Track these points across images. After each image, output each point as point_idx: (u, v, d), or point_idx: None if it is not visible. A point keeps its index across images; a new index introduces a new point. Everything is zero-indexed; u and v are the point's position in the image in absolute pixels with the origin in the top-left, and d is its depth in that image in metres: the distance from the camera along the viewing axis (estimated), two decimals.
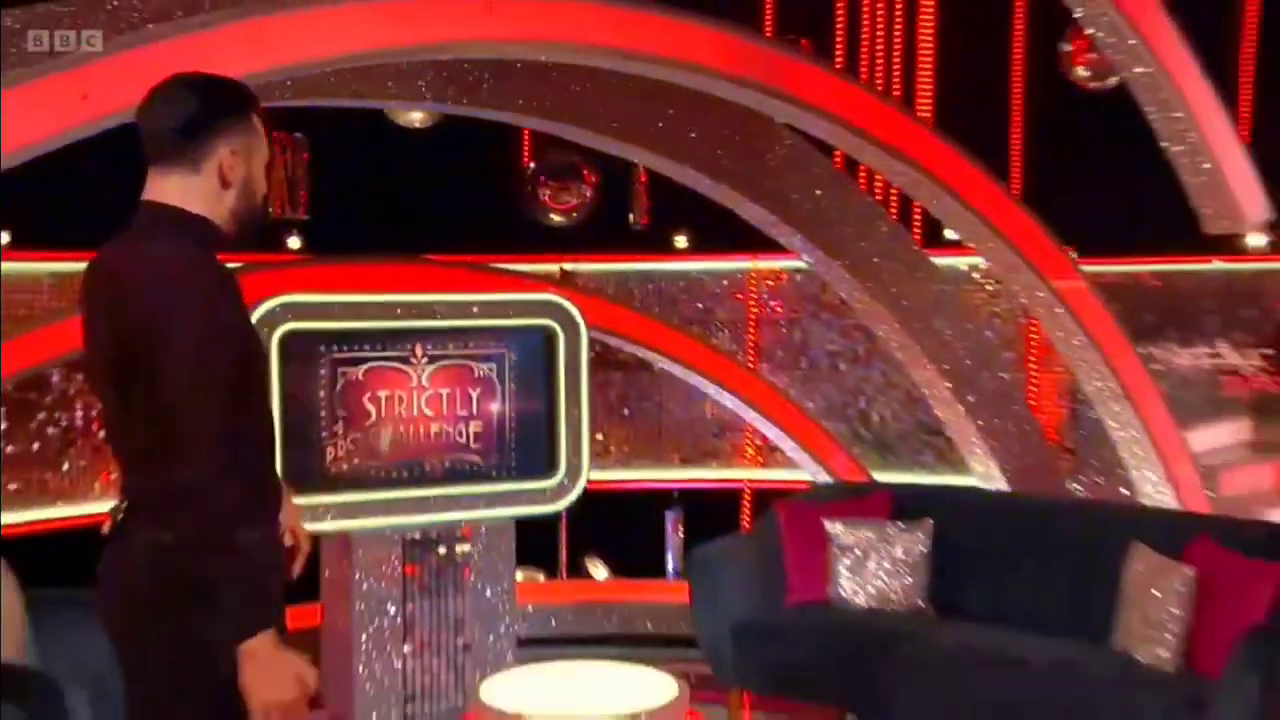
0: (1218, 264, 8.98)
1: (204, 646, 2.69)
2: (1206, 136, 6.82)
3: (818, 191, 6.88)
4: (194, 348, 2.70)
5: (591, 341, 6.81)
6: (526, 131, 9.30)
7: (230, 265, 3.18)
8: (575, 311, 6.23)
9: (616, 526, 8.04)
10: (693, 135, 6.54)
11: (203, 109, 2.91)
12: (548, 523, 7.96)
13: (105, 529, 2.88)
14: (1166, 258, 8.95)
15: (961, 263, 8.44)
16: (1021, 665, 5.05)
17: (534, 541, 6.97)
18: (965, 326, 7.15)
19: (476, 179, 9.67)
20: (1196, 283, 9.09)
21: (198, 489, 2.63)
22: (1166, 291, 9.02)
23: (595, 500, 6.49)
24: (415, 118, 8.69)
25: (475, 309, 6.10)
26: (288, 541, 3.12)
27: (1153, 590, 4.99)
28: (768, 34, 9.00)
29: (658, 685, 4.56)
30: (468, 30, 5.07)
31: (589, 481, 6.42)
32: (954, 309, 7.16)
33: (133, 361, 2.70)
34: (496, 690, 4.57)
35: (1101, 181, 8.84)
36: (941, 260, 7.63)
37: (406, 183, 8.85)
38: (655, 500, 8.65)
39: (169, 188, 2.87)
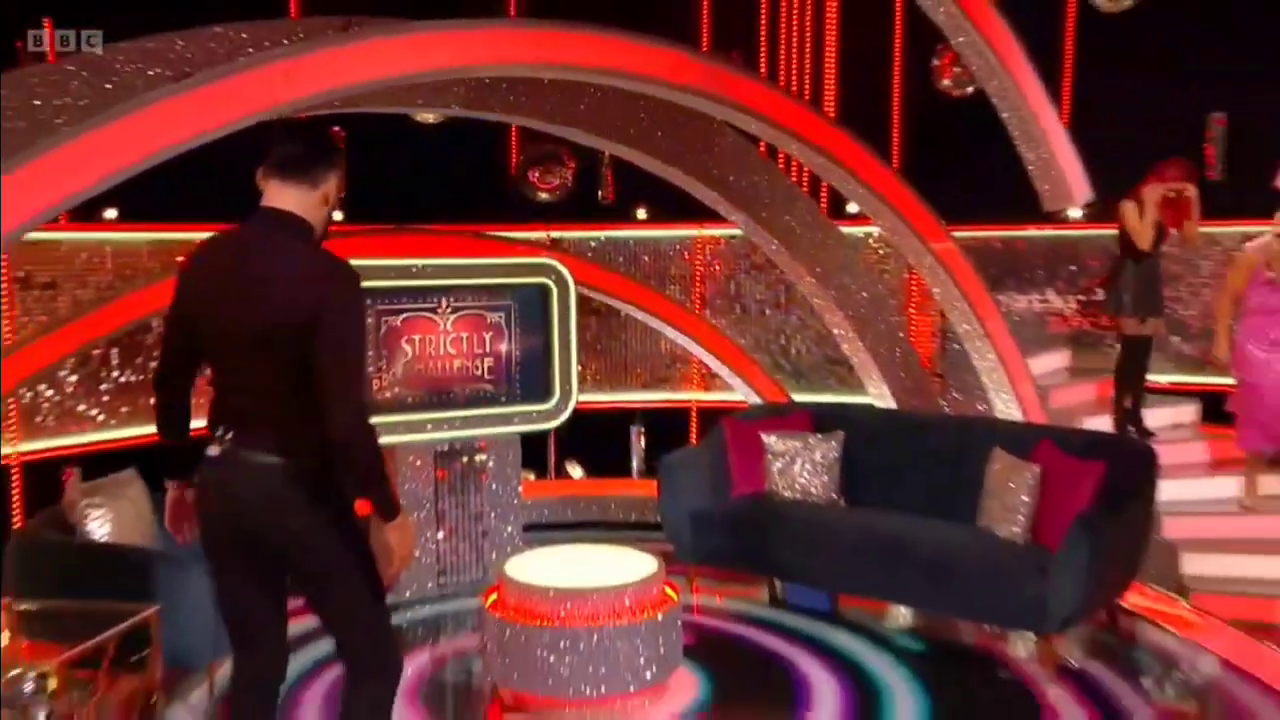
0: (1047, 232, 8.97)
1: (356, 524, 3.01)
2: (1045, 134, 6.85)
3: (753, 176, 6.85)
4: (360, 325, 2.99)
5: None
6: (514, 128, 9.23)
7: None
8: (565, 272, 6.30)
9: (592, 437, 8.03)
10: (659, 134, 6.48)
11: (332, 148, 3.14)
12: (539, 435, 8.10)
13: (215, 450, 2.94)
14: (1009, 226, 8.94)
15: (860, 231, 8.49)
16: (909, 541, 5.14)
17: (528, 450, 7.01)
18: (863, 280, 7.12)
19: (478, 165, 9.53)
20: (1030, 246, 9.06)
21: (367, 420, 2.86)
22: (1007, 252, 9.01)
23: (575, 417, 6.54)
24: (429, 117, 8.65)
25: (488, 270, 6.15)
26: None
27: (1008, 483, 5.13)
28: (706, 49, 8.90)
29: (640, 562, 4.62)
30: (486, 57, 4.94)
31: (580, 400, 6.50)
32: (855, 267, 7.13)
33: (302, 327, 2.81)
34: (514, 568, 4.60)
35: (962, 166, 8.78)
36: (846, 229, 7.61)
37: (421, 167, 8.74)
38: (621, 416, 8.67)
39: (288, 198, 2.99)
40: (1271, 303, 6.07)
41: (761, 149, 7.33)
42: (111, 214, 7.19)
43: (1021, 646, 5.17)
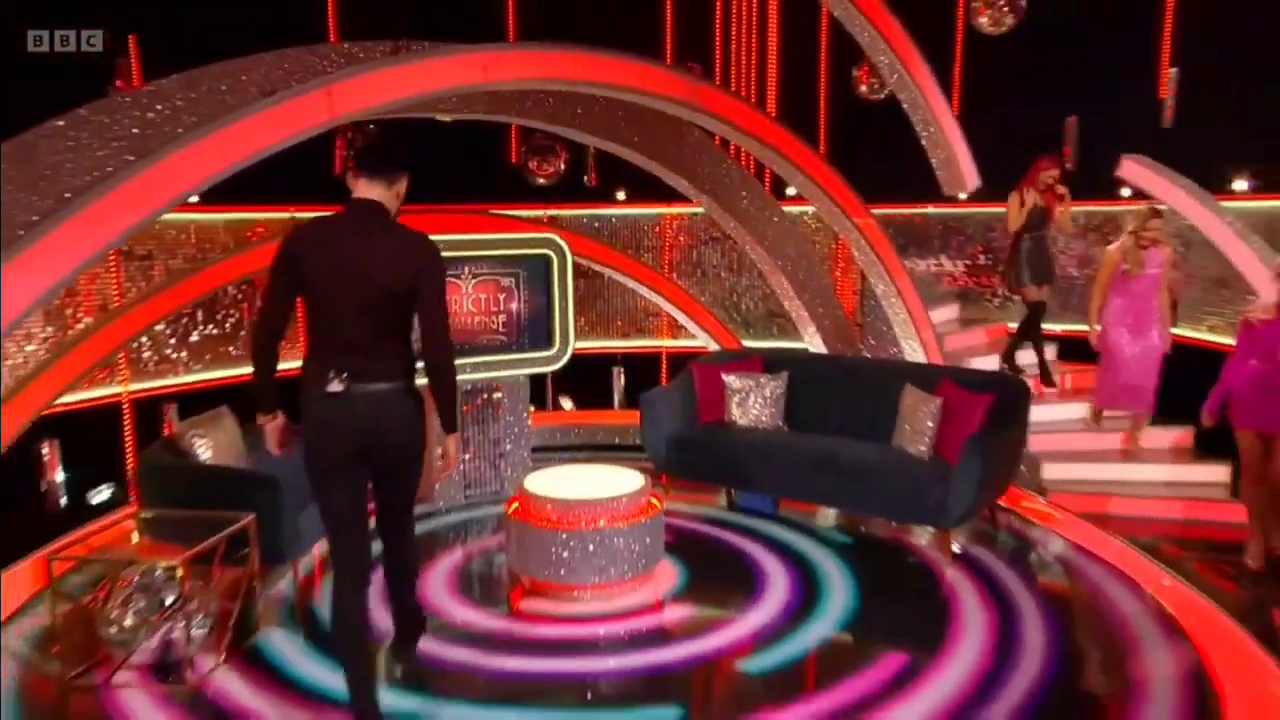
0: (941, 210, 9.02)
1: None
2: (945, 135, 6.96)
3: (713, 166, 6.85)
4: (444, 283, 3.25)
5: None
6: (514, 126, 9.14)
7: None
8: (564, 244, 6.29)
9: (580, 377, 8.07)
10: (636, 140, 6.49)
11: (405, 156, 3.26)
12: (540, 376, 8.13)
13: (338, 387, 3.10)
14: (912, 205, 9.00)
15: (797, 210, 8.53)
16: (837, 456, 5.22)
17: (530, 388, 7.03)
18: (800, 249, 7.15)
19: (489, 156, 9.49)
20: (928, 220, 9.11)
21: (453, 351, 3.26)
22: (910, 225, 9.06)
23: (572, 357, 6.60)
24: (446, 117, 8.55)
25: (501, 244, 6.13)
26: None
27: (917, 412, 5.24)
28: (670, 61, 8.84)
29: (630, 478, 4.69)
30: (508, 74, 4.89)
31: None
32: (794, 237, 7.17)
33: (417, 289, 3.13)
34: (531, 483, 4.64)
35: (877, 156, 8.85)
36: (786, 208, 7.60)
37: (443, 157, 8.64)
38: (605, 360, 8.70)
39: (374, 192, 3.15)
40: (1131, 290, 6.16)
41: (716, 141, 7.35)
42: (193, 198, 7.11)
43: (924, 537, 5.33)
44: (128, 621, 3.74)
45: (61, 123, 4.09)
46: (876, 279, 6.92)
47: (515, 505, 4.65)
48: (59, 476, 6.56)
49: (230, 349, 7.15)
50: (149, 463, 4.32)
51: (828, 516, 5.72)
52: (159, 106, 4.36)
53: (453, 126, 8.32)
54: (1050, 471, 6.35)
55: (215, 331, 7.11)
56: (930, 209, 9.16)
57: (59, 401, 5.44)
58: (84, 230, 3.55)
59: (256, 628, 4.12)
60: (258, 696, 3.60)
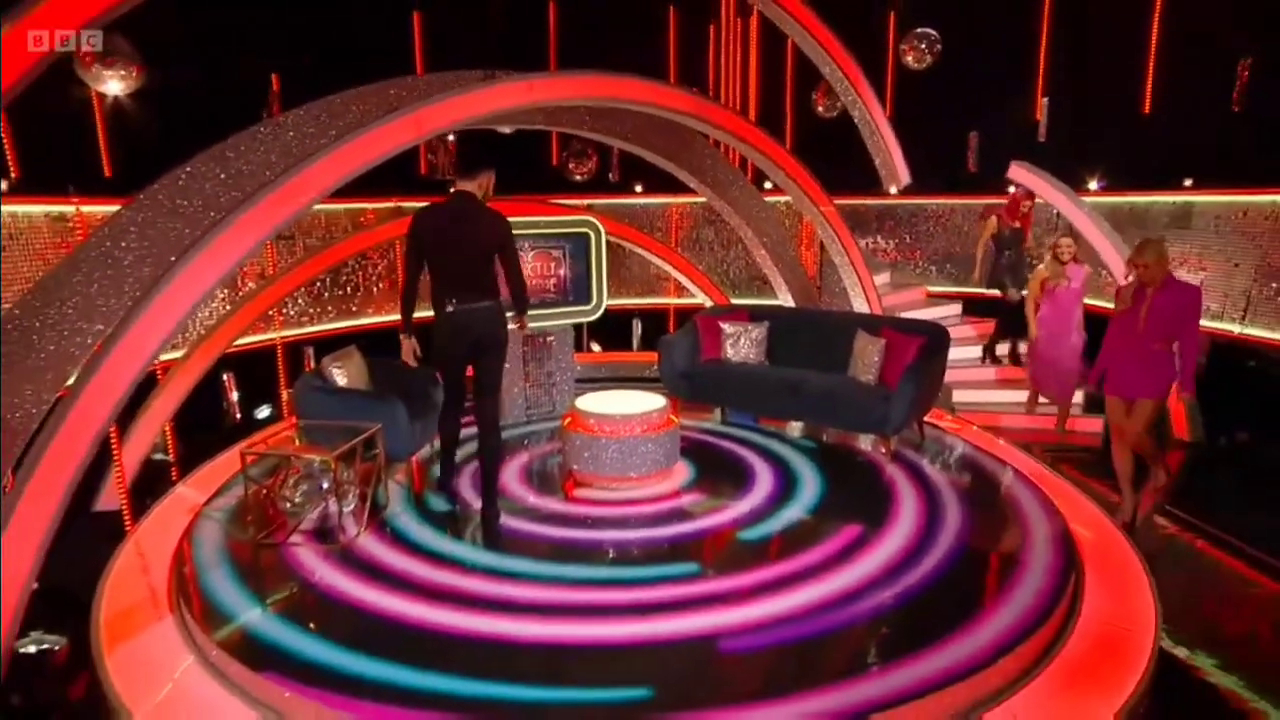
0: (877, 201, 9.05)
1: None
2: (885, 139, 6.88)
3: (714, 166, 6.77)
4: (515, 245, 3.75)
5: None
6: (554, 135, 9.11)
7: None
8: (600, 225, 6.23)
9: (608, 327, 8.10)
10: (657, 144, 6.40)
11: (485, 162, 3.81)
12: (578, 328, 8.17)
13: (451, 307, 3.72)
14: (855, 196, 8.91)
15: (775, 199, 8.43)
16: (805, 384, 5.22)
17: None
18: (776, 228, 7.10)
19: (535, 158, 9.42)
20: (869, 209, 9.10)
21: (524, 280, 3.78)
22: (854, 212, 8.97)
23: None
24: (505, 129, 8.47)
25: (552, 224, 6.08)
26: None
27: (866, 349, 5.25)
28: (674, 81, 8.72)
29: (655, 400, 4.73)
30: (565, 94, 4.88)
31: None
32: (772, 220, 7.10)
33: (499, 247, 3.71)
34: (581, 403, 4.68)
35: (829, 159, 8.81)
36: (769, 198, 7.59)
37: (500, 161, 8.58)
38: (626, 314, 8.67)
39: (470, 186, 3.44)
40: (1055, 300, 5.76)
41: (711, 142, 7.28)
42: None
43: (868, 444, 5.39)
44: (298, 499, 3.88)
45: (240, 137, 4.13)
46: (835, 252, 6.88)
47: (569, 420, 4.70)
48: (235, 398, 6.68)
49: (352, 305, 7.17)
50: (302, 386, 4.41)
51: (795, 429, 5.77)
52: (308, 128, 4.36)
53: (511, 136, 8.32)
54: (958, 396, 6.46)
55: (340, 293, 7.12)
56: (869, 200, 9.14)
57: (234, 345, 5.51)
58: (261, 217, 3.60)
59: (385, 506, 4.24)
60: (388, 553, 3.74)
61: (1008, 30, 9.06)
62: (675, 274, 7.97)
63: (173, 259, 3.58)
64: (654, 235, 8.26)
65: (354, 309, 7.18)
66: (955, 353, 6.74)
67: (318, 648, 2.97)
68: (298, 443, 4.00)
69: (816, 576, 3.48)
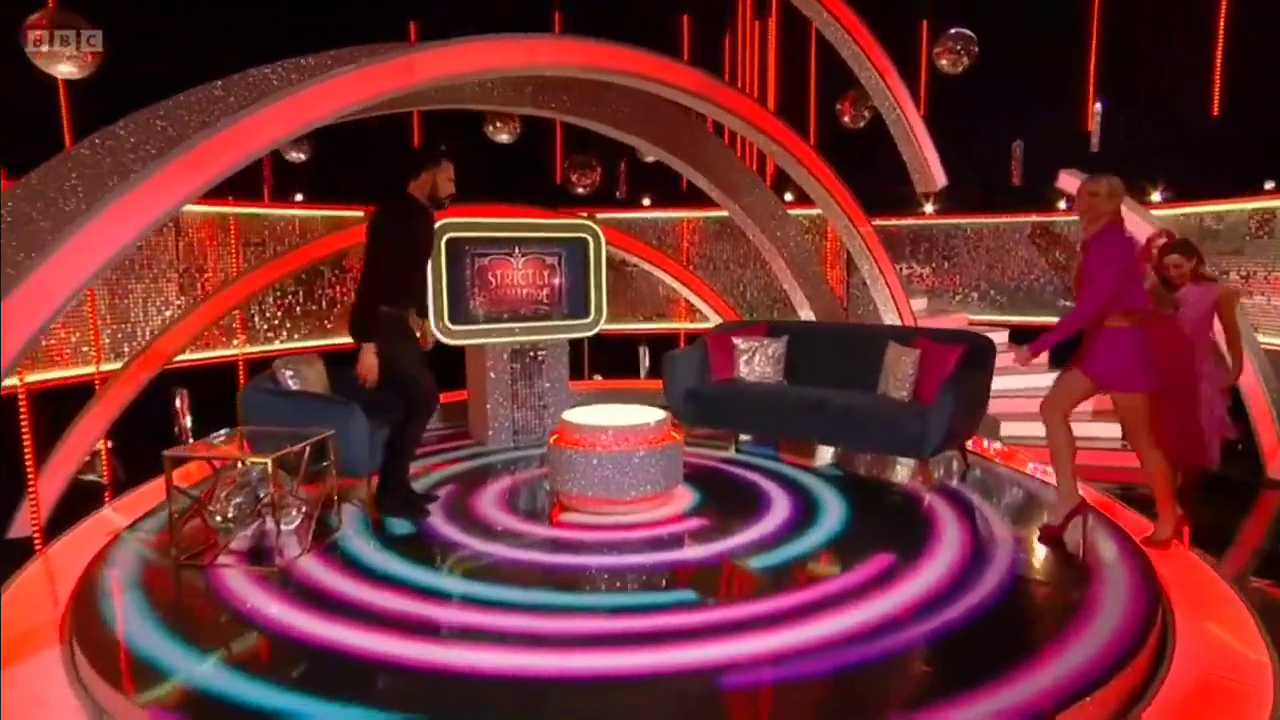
0: (909, 221, 8.92)
1: None
2: (917, 139, 6.70)
3: (732, 167, 6.68)
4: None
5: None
6: (558, 150, 9.05)
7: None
8: (598, 229, 6.07)
9: (612, 353, 7.96)
10: (652, 131, 6.29)
11: (418, 162, 3.91)
12: (577, 349, 7.95)
13: (409, 313, 3.97)
14: (888, 216, 8.79)
15: (797, 213, 8.33)
16: (829, 401, 4.99)
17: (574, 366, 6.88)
18: (801, 242, 6.98)
19: (538, 175, 9.36)
20: (901, 231, 8.95)
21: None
22: (885, 234, 8.88)
23: (600, 339, 6.42)
24: (504, 138, 8.45)
25: (546, 228, 5.92)
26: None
27: (900, 361, 5.00)
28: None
29: (653, 412, 4.48)
30: (542, 59, 4.76)
31: (606, 328, 6.33)
32: (796, 234, 6.97)
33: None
34: (570, 415, 4.43)
35: (857, 176, 8.75)
36: (791, 211, 7.47)
37: (499, 172, 8.53)
38: (632, 339, 8.50)
39: (413, 189, 3.88)
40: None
41: (724, 139, 7.18)
42: (299, 196, 7.08)
43: (905, 473, 5.07)
44: (230, 513, 3.59)
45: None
46: (867, 267, 6.69)
47: (556, 435, 4.43)
48: (187, 420, 6.45)
49: (326, 323, 7.02)
50: (250, 389, 4.17)
51: (824, 458, 5.44)
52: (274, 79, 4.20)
53: (511, 147, 8.28)
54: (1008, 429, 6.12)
55: (314, 308, 6.98)
56: (901, 221, 8.98)
57: (190, 358, 5.33)
58: (193, 165, 3.40)
59: (337, 529, 3.94)
60: (331, 577, 3.42)
61: (1052, 29, 8.96)
62: (687, 294, 7.77)
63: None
64: (664, 251, 8.08)
65: (329, 326, 7.01)
66: (1001, 382, 6.53)
67: (231, 682, 2.63)
68: (236, 450, 3.71)
69: (838, 609, 3.10)
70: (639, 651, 2.82)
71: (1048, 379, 6.67)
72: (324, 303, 6.95)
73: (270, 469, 3.40)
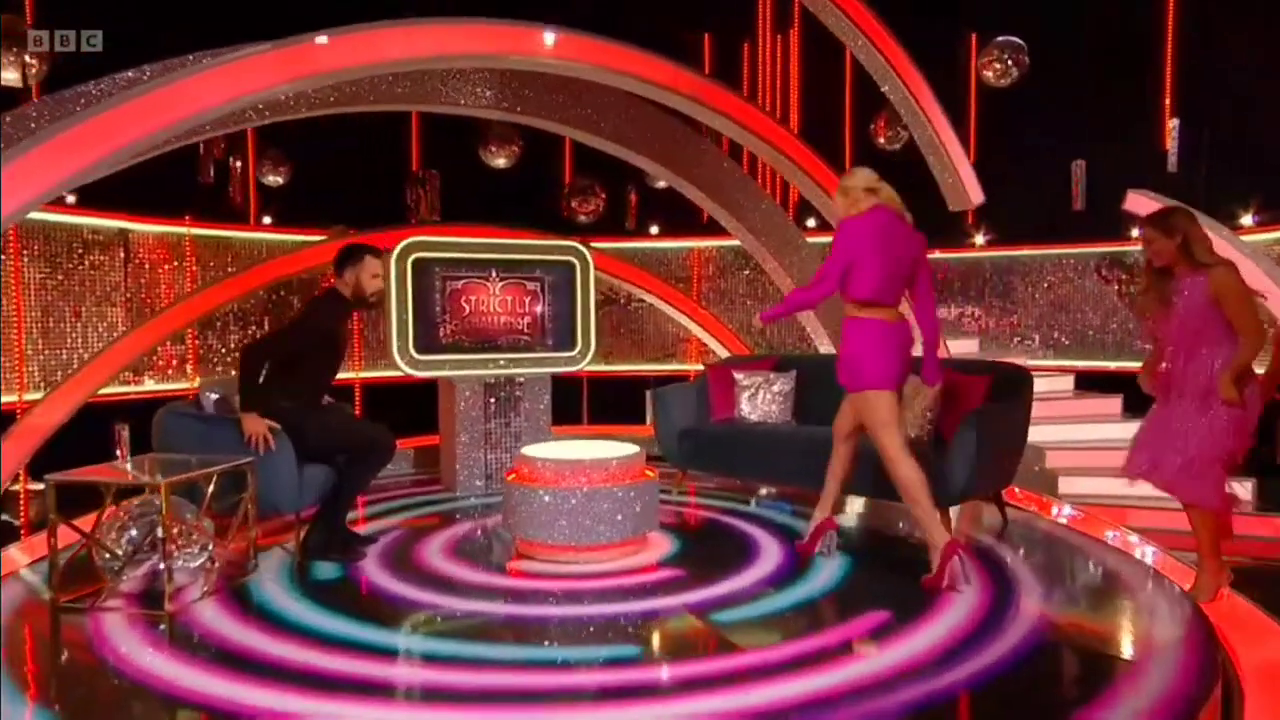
0: (956, 255, 8.71)
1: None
2: (947, 150, 6.46)
3: (760, 204, 6.60)
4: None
5: (603, 287, 6.62)
6: (565, 176, 9.08)
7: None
8: (587, 253, 5.98)
9: (617, 397, 7.78)
10: (689, 169, 6.25)
11: (342, 259, 4.10)
12: (575, 391, 7.81)
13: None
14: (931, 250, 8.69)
15: (821, 240, 8.19)
16: None
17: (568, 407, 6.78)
18: (816, 264, 6.83)
19: (531, 200, 9.36)
20: (948, 266, 8.72)
21: None
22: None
23: (603, 382, 6.29)
24: (501, 162, 8.50)
25: (526, 249, 5.87)
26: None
27: (916, 396, 4.60)
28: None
29: (624, 447, 4.30)
30: (527, 49, 4.68)
31: (607, 370, 6.25)
32: (808, 253, 6.83)
33: None
34: (530, 450, 4.23)
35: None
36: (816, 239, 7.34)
37: (494, 200, 8.58)
38: (638, 382, 8.24)
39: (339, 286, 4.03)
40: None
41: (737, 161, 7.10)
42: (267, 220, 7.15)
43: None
44: (120, 549, 3.46)
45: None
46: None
47: (513, 473, 4.26)
48: (126, 457, 6.41)
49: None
50: (167, 410, 4.09)
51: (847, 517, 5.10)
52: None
53: (508, 173, 8.30)
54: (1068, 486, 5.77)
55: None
56: (948, 254, 8.77)
57: (143, 390, 5.33)
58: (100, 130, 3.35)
59: (250, 571, 3.78)
60: (225, 624, 3.24)
61: (1118, 37, 8.76)
62: (698, 331, 7.58)
63: None
64: (675, 285, 7.94)
65: None
66: (1065, 431, 6.40)
67: None
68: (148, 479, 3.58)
69: (788, 675, 2.82)
70: (544, 710, 2.60)
71: (1119, 429, 6.35)
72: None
73: (163, 496, 3.27)
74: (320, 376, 4.12)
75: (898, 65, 6.03)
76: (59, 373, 5.17)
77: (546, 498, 3.98)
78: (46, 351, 5.52)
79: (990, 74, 7.58)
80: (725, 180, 6.52)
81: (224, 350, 6.39)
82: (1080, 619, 3.39)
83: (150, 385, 6.04)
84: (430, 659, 3.03)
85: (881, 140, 8.45)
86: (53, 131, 3.44)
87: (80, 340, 5.60)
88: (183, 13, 6.43)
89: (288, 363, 3.94)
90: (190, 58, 4.07)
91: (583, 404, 8.08)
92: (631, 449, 4.26)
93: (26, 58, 4.77)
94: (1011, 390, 4.55)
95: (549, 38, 4.76)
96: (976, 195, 6.43)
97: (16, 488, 5.06)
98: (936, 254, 8.68)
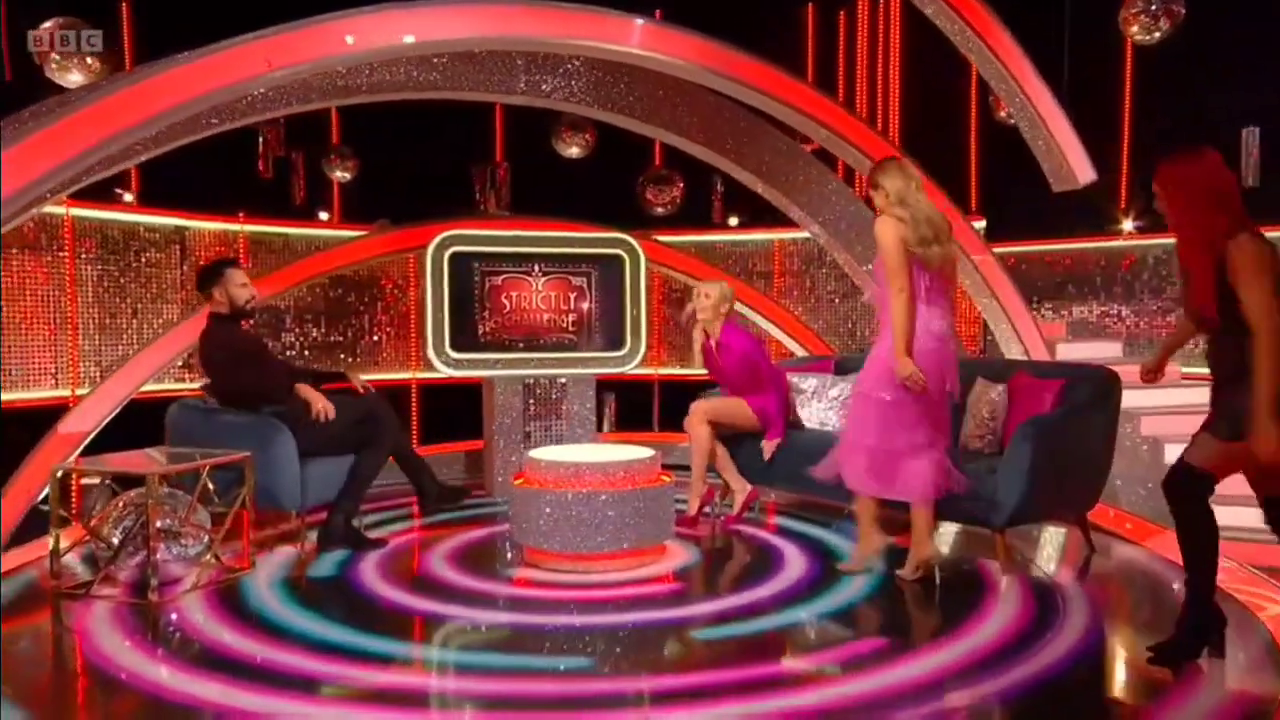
0: (1096, 244, 8.28)
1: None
2: (1046, 124, 6.07)
3: (797, 162, 6.46)
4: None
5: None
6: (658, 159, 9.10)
7: None
8: (636, 244, 6.03)
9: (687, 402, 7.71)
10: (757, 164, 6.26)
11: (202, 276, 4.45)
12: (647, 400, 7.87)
13: None
14: (1071, 239, 8.32)
15: None
16: None
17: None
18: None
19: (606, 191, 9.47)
20: (1087, 257, 8.31)
21: None
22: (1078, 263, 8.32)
23: (678, 386, 6.28)
24: (574, 151, 8.69)
25: (571, 242, 5.96)
26: None
27: (980, 402, 4.48)
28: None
29: (637, 450, 4.34)
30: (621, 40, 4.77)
31: (682, 373, 6.29)
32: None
33: None
34: (537, 453, 4.30)
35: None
36: None
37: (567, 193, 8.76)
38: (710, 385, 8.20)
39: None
40: None
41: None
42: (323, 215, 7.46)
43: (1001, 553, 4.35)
44: (116, 538, 3.78)
45: None
46: (985, 302, 6.26)
47: (520, 476, 4.36)
48: None
49: (353, 355, 7.36)
50: (179, 405, 4.45)
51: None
52: None
53: (577, 165, 8.45)
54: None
55: (338, 339, 7.32)
56: (1085, 243, 8.33)
57: (192, 388, 5.76)
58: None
59: (246, 568, 4.04)
60: (201, 617, 3.49)
61: None
62: (776, 333, 7.42)
63: None
64: (752, 282, 7.85)
65: (355, 359, 7.26)
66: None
67: None
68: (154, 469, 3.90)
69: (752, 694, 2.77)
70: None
71: None
72: (349, 333, 7.27)
73: (147, 487, 3.56)
74: (282, 374, 4.43)
75: (981, 29, 5.76)
76: (115, 369, 5.66)
77: (549, 502, 4.05)
78: (104, 348, 6.10)
79: (1136, 28, 7.07)
80: (791, 168, 6.40)
81: (279, 349, 6.81)
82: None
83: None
84: (390, 662, 3.18)
85: (1003, 113, 8.04)
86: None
87: (136, 337, 6.15)
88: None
89: (255, 383, 4.31)
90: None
91: (654, 409, 8.07)
92: (645, 452, 4.28)
93: (88, 59, 5.30)
94: (1089, 396, 4.24)
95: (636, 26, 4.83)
96: (1085, 173, 6.03)
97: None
98: (1081, 244, 8.30)
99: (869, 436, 3.81)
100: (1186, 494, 2.87)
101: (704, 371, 5.28)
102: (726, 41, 5.11)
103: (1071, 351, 6.87)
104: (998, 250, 8.42)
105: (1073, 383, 4.25)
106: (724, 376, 5.08)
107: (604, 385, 7.18)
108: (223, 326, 4.33)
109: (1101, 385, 4.28)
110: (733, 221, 8.85)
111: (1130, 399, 6.40)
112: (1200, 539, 2.88)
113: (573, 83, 5.89)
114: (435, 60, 5.44)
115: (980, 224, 7.58)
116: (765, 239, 8.28)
